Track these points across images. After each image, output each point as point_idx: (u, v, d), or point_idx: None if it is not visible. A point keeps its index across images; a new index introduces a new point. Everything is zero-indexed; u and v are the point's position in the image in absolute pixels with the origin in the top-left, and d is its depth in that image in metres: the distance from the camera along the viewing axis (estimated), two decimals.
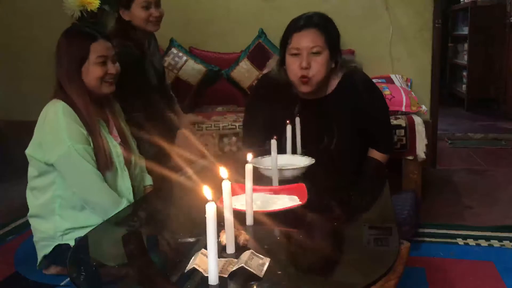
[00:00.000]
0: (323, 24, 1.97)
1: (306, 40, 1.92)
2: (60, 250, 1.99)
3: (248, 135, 2.27)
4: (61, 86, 1.98)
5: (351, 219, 1.57)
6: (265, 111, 2.12)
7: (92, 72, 1.97)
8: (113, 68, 2.02)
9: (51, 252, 2.03)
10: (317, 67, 1.93)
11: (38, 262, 2.09)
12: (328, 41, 1.94)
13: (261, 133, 2.09)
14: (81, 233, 1.89)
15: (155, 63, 2.59)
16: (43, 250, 2.05)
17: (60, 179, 1.97)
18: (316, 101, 2.06)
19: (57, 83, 2.00)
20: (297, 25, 1.97)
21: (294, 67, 1.94)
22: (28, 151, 2.00)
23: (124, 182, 2.07)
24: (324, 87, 2.04)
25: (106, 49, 2.00)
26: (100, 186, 1.94)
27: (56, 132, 1.91)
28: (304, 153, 1.98)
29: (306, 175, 1.80)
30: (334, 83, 2.06)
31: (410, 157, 2.77)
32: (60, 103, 1.94)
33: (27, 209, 2.09)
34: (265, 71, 2.59)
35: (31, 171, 2.04)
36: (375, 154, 2.15)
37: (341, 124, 2.04)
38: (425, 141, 2.76)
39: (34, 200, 2.07)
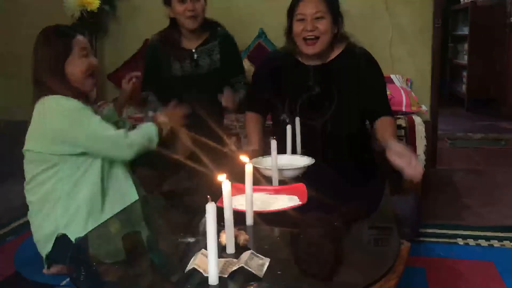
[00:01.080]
0: None
1: (310, 6, 2.10)
2: (61, 245, 1.99)
3: (251, 99, 2.40)
4: (41, 85, 1.98)
5: (351, 219, 1.57)
6: (271, 77, 2.25)
7: (77, 66, 2.00)
8: (94, 60, 2.08)
9: (52, 248, 2.02)
10: (322, 29, 2.10)
11: (44, 262, 2.09)
12: (330, 7, 2.12)
13: (264, 97, 2.27)
14: (81, 223, 1.96)
15: (202, 62, 2.58)
16: (45, 248, 2.05)
17: (63, 167, 1.97)
18: (319, 66, 2.18)
19: (37, 84, 2.00)
20: None
21: (300, 30, 2.11)
22: (30, 147, 2.00)
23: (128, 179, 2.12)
24: (327, 53, 2.17)
25: (86, 43, 2.06)
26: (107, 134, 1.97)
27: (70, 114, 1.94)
28: (304, 153, 1.98)
29: (306, 175, 1.80)
30: (336, 51, 2.19)
31: None
32: (53, 97, 1.95)
33: (27, 209, 2.09)
34: None
35: (30, 168, 2.04)
36: (385, 122, 2.11)
37: (341, 88, 2.14)
38: (424, 142, 2.76)
39: (33, 195, 2.06)
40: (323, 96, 2.15)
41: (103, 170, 2.03)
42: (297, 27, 2.11)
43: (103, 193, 2.03)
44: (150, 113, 2.35)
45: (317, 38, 2.10)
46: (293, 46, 2.17)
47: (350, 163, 2.06)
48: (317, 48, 2.11)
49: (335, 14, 2.14)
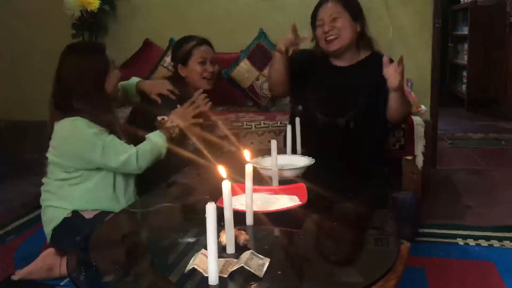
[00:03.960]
0: None
1: (325, 10, 2.26)
2: (70, 222, 2.07)
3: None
4: (70, 104, 2.06)
5: (351, 219, 1.57)
6: (302, 65, 2.37)
7: (114, 77, 2.16)
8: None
9: (60, 223, 2.09)
10: (339, 26, 2.24)
11: (48, 239, 2.15)
12: (347, 7, 2.26)
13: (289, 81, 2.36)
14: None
15: None
16: (53, 221, 2.11)
17: (79, 175, 2.09)
18: (346, 68, 2.32)
19: (63, 104, 2.07)
20: (319, 3, 2.32)
21: (319, 33, 2.28)
22: (52, 157, 2.10)
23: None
24: (354, 55, 2.32)
25: (110, 55, 2.18)
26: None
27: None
28: (304, 153, 1.98)
29: (306, 175, 1.80)
30: (363, 55, 2.33)
31: (409, 157, 2.77)
32: (75, 120, 2.04)
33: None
34: None
35: (51, 168, 2.14)
36: None
37: (366, 88, 2.23)
38: (423, 142, 2.76)
39: (50, 186, 2.16)
40: (347, 94, 2.25)
41: (115, 180, 2.15)
42: (318, 32, 2.28)
43: (112, 198, 2.15)
44: (159, 118, 2.36)
45: (336, 36, 2.23)
46: (321, 50, 2.32)
47: (362, 162, 2.15)
48: (337, 44, 2.25)
49: (354, 13, 2.27)
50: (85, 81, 2.07)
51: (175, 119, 2.25)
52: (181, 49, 2.51)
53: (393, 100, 2.12)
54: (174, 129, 2.23)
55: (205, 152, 1.99)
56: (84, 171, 2.10)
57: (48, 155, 2.11)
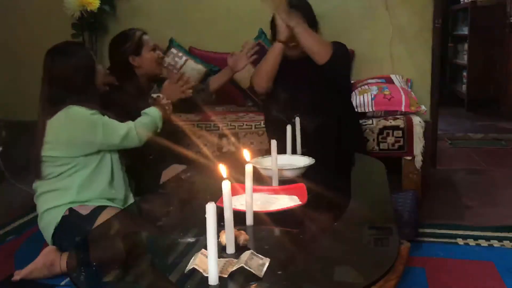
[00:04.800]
0: (298, 4, 2.51)
1: None
2: (68, 220, 2.08)
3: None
4: (64, 100, 2.13)
5: (351, 219, 1.57)
6: None
7: (100, 71, 2.29)
8: None
9: (60, 223, 2.10)
10: None
11: (50, 241, 2.15)
12: (305, 15, 2.46)
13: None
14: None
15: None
16: (52, 223, 2.12)
17: (76, 164, 2.13)
18: (301, 60, 2.51)
19: (57, 101, 2.14)
20: None
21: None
22: (48, 153, 2.11)
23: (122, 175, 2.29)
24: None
25: None
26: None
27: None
28: (304, 153, 1.99)
29: (306, 175, 1.80)
30: None
31: (408, 158, 2.77)
32: (69, 108, 2.11)
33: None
34: None
35: (47, 166, 2.14)
36: None
37: (318, 74, 2.43)
38: (422, 142, 2.76)
39: (46, 186, 2.17)
40: (305, 83, 2.44)
41: (112, 165, 2.21)
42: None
43: (111, 184, 2.21)
44: (154, 95, 2.48)
45: (297, 44, 2.43)
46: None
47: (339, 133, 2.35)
48: (297, 50, 2.49)
49: (310, 20, 2.50)
50: (80, 77, 2.16)
51: (166, 95, 2.42)
52: (131, 41, 2.54)
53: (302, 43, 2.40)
54: (169, 106, 2.38)
55: (188, 131, 2.06)
56: (81, 158, 2.14)
57: (44, 152, 2.12)
